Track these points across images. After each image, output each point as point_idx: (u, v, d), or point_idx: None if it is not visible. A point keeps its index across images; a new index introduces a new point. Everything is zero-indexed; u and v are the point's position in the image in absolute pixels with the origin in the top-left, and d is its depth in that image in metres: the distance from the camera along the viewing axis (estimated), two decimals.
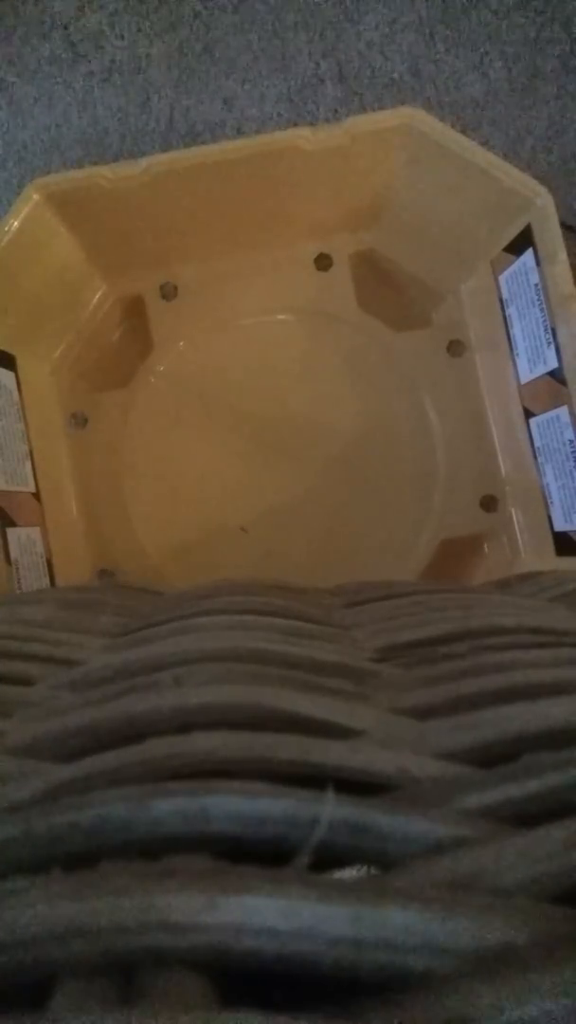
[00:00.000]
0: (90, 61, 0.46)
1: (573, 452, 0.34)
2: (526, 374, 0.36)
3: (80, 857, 0.08)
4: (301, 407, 0.40)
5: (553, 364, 0.34)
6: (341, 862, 0.09)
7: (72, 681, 0.13)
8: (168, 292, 0.40)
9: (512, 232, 0.35)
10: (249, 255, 0.40)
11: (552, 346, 0.34)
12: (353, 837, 0.09)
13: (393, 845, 0.08)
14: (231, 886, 0.07)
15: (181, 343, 0.40)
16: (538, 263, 0.34)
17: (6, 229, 0.34)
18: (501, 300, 0.37)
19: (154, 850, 0.08)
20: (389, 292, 0.42)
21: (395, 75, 0.45)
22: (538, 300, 0.34)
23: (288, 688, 0.12)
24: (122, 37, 0.46)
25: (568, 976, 0.07)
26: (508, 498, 0.39)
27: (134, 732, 0.10)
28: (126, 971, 0.07)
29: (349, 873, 0.09)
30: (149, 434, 0.40)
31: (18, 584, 0.35)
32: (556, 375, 0.34)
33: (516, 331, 0.36)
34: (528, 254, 0.34)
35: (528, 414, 0.37)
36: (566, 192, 0.43)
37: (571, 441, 0.34)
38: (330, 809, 0.09)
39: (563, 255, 0.33)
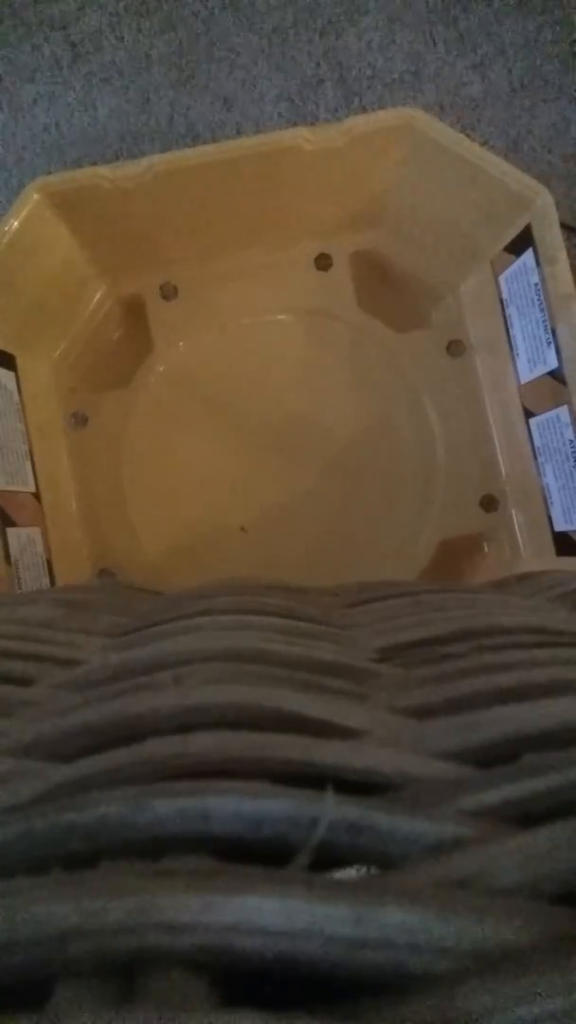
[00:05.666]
0: (90, 61, 0.46)
1: (573, 452, 0.34)
2: (526, 374, 0.36)
3: (80, 857, 0.08)
4: (301, 407, 0.40)
5: (553, 364, 0.34)
6: (341, 862, 0.09)
7: (72, 681, 0.13)
8: (168, 292, 0.40)
9: (512, 232, 0.35)
10: (249, 255, 0.40)
11: (552, 346, 0.34)
12: (353, 837, 0.09)
13: (393, 845, 0.08)
14: (231, 886, 0.07)
15: (181, 343, 0.40)
16: (538, 263, 0.34)
17: (6, 229, 0.34)
18: (501, 300, 0.37)
19: (154, 850, 0.08)
20: (389, 292, 0.42)
21: (395, 75, 0.45)
22: (538, 300, 0.34)
23: (288, 688, 0.12)
24: (122, 37, 0.46)
25: (568, 976, 0.07)
26: (508, 498, 0.39)
27: (134, 732, 0.10)
28: (126, 971, 0.07)
29: (349, 873, 0.09)
30: (149, 434, 0.40)
31: (18, 584, 0.35)
32: (556, 375, 0.34)
33: (516, 331, 0.36)
34: (528, 254, 0.34)
35: (528, 414, 0.37)
36: (566, 192, 0.43)
37: (571, 441, 0.34)
38: (330, 809, 0.09)
39: (563, 255, 0.33)
